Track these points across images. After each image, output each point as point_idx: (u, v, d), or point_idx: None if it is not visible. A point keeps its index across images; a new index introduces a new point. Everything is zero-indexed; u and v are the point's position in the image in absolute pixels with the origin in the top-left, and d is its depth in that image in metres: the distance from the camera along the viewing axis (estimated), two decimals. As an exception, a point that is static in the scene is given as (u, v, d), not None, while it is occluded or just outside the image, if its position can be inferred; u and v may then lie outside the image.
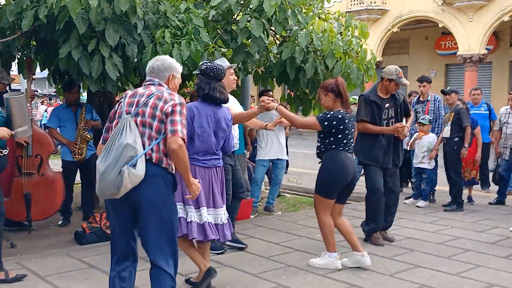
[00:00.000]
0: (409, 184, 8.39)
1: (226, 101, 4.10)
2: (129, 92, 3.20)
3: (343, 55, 6.15)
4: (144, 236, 3.14)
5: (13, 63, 6.16)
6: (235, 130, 5.29)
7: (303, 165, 11.97)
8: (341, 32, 6.40)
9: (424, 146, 7.45)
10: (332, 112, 4.47)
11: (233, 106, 4.89)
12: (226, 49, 6.20)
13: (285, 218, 6.67)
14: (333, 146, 4.48)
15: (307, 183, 9.47)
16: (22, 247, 5.32)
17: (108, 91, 5.51)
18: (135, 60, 5.36)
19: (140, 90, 3.18)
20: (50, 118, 6.55)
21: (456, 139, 7.13)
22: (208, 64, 4.10)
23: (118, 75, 5.13)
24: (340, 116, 4.42)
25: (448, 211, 7.05)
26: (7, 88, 5.88)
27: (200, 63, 4.26)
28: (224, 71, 4.19)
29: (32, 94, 5.94)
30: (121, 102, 3.18)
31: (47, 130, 6.38)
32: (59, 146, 7.41)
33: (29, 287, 3.98)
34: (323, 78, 6.28)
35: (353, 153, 4.95)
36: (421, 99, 7.98)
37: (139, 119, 3.06)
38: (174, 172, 3.12)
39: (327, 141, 4.51)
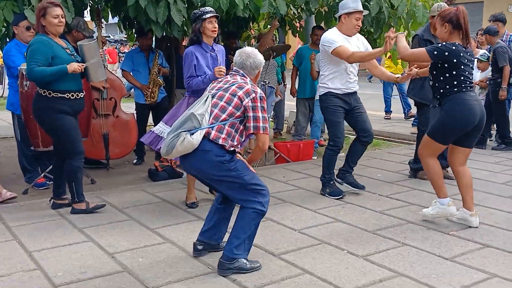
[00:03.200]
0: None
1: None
2: (220, 79, 3.47)
3: (408, -8, 6.03)
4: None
5: (85, 11, 6.49)
6: None
7: (368, 106, 11.84)
8: (406, -32, 6.23)
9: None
10: (444, 43, 3.98)
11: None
12: (289, -9, 6.20)
13: (347, 158, 6.77)
14: (455, 89, 3.99)
15: (374, 126, 9.46)
16: (101, 183, 5.81)
17: (174, 36, 5.72)
18: (199, 4, 5.50)
19: (228, 77, 3.41)
20: (124, 62, 6.90)
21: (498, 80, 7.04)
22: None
23: (183, 20, 5.32)
24: (454, 47, 3.91)
25: (496, 149, 7.11)
26: None
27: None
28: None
29: (103, 40, 6.26)
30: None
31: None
32: (132, 90, 7.82)
33: (107, 218, 4.40)
34: (388, 17, 6.21)
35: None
36: None
37: (214, 100, 3.28)
38: (234, 150, 3.29)
39: (442, 78, 4.02)
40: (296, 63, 7.74)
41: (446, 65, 3.96)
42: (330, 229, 4.10)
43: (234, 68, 3.44)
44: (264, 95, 3.33)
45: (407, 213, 4.47)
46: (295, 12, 7.06)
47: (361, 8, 4.84)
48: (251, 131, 3.27)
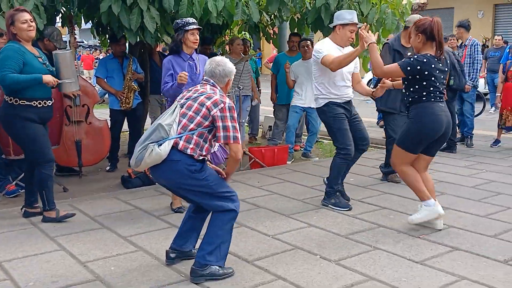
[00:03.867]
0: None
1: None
2: (190, 89, 3.45)
3: (378, 0, 6.12)
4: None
5: (57, 18, 6.44)
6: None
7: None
8: (376, -23, 6.34)
9: None
10: (415, 56, 4.06)
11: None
12: (261, -2, 6.26)
13: (321, 163, 6.85)
14: (423, 98, 4.09)
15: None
16: (74, 191, 5.75)
17: (147, 42, 5.71)
18: (172, 11, 5.50)
19: (198, 87, 3.40)
20: (98, 68, 6.85)
21: None
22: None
23: (156, 26, 5.32)
24: (425, 60, 4.00)
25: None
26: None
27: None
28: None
29: (75, 45, 6.21)
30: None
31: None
32: (106, 95, 7.77)
33: (80, 226, 4.36)
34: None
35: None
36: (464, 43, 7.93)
37: (183, 110, 3.28)
38: (203, 159, 3.29)
39: (412, 89, 4.12)
40: (274, 70, 7.83)
41: (418, 76, 4.04)
42: (303, 234, 4.14)
43: (205, 77, 3.45)
44: (233, 104, 3.32)
45: (378, 217, 4.53)
46: (268, 19, 7.12)
47: (356, 20, 4.75)
48: (222, 141, 3.27)
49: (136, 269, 3.49)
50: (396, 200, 5.05)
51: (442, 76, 4.09)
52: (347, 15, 4.74)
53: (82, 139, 6.14)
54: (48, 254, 3.76)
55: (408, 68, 4.02)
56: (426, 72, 4.00)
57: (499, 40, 11.95)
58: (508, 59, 7.99)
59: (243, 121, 7.44)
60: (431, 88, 4.06)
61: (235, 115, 3.29)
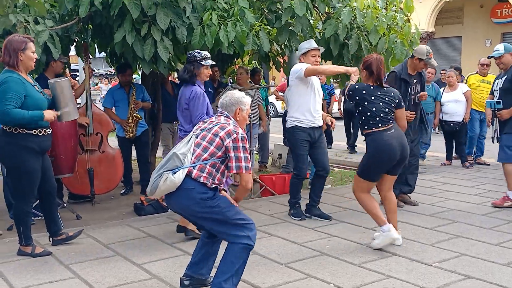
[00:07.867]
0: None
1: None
2: (205, 120, 3.58)
3: (387, 30, 6.21)
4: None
5: (71, 47, 6.59)
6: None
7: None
8: (386, 7, 6.45)
9: None
10: (348, 85, 4.64)
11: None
12: (271, 28, 6.38)
13: (332, 191, 6.86)
14: (373, 130, 4.40)
15: (356, 157, 9.62)
16: (87, 219, 5.79)
17: (160, 72, 5.82)
18: (185, 42, 5.62)
19: (213, 119, 3.51)
20: (106, 98, 7.02)
21: None
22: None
23: (169, 56, 5.43)
24: (357, 86, 4.50)
25: None
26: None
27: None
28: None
29: (90, 74, 6.37)
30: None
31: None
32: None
33: (94, 254, 4.40)
34: (367, 54, 6.38)
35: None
36: None
37: (197, 140, 3.37)
38: (217, 187, 3.35)
39: (358, 117, 4.59)
40: None
41: (352, 102, 4.56)
42: (316, 263, 4.14)
43: (219, 109, 3.55)
44: (245, 135, 3.41)
45: (391, 246, 4.51)
46: (278, 48, 7.24)
47: (314, 46, 5.32)
48: (234, 171, 3.33)
49: (151, 296, 3.51)
50: (409, 228, 5.04)
51: (375, 98, 4.40)
52: (306, 44, 5.38)
53: (94, 168, 6.20)
54: (63, 281, 3.79)
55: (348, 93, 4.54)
56: (357, 97, 4.45)
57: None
58: None
59: (252, 148, 7.50)
60: (368, 113, 4.40)
61: (247, 145, 3.37)
